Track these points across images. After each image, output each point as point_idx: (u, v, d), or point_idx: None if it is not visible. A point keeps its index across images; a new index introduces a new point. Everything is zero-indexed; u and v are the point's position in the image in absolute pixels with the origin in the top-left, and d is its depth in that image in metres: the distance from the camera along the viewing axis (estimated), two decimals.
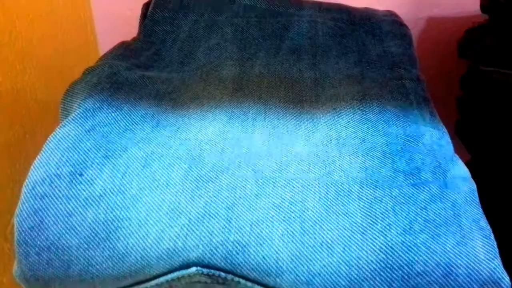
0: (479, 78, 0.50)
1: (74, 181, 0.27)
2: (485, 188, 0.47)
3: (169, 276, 0.26)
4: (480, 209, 0.28)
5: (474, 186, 0.29)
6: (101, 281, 0.26)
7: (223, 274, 0.25)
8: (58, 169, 0.28)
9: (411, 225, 0.26)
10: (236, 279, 0.25)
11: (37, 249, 0.26)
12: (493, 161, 0.51)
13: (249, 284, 0.25)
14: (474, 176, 0.30)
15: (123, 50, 0.40)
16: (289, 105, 0.36)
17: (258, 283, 0.25)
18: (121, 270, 0.26)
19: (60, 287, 0.27)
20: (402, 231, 0.26)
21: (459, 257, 0.25)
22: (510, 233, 0.44)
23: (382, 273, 0.25)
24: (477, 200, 0.28)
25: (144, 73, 0.37)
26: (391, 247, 0.25)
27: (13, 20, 0.46)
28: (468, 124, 0.55)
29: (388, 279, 0.25)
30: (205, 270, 0.25)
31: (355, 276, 0.25)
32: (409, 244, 0.25)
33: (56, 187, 0.27)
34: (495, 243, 0.26)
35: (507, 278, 0.25)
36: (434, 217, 0.26)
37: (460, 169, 0.29)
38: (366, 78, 0.38)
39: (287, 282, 0.25)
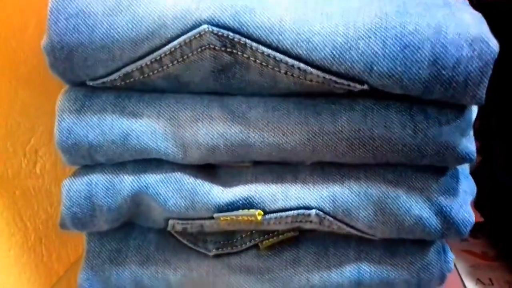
0: None
1: None
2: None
3: (181, 39, 0.28)
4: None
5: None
6: (120, 46, 0.29)
7: (231, 34, 0.28)
8: None
9: (404, 4, 0.28)
10: (243, 40, 0.28)
11: (66, 15, 0.29)
12: None
13: (254, 45, 0.28)
14: None
15: None
16: None
17: (263, 44, 0.28)
18: (139, 32, 0.28)
19: (82, 56, 0.29)
20: (396, 6, 0.28)
21: (448, 20, 0.27)
22: None
23: (377, 32, 0.27)
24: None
25: None
26: (385, 13, 0.27)
27: None
28: None
29: (383, 37, 0.27)
30: (215, 29, 0.28)
31: (352, 35, 0.27)
32: (402, 12, 0.27)
33: None
34: (484, 20, 0.28)
35: (495, 40, 0.27)
36: (427, 2, 0.28)
37: None
38: None
39: (288, 39, 0.27)
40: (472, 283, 0.50)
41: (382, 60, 0.27)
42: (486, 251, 0.56)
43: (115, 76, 0.30)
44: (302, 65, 0.28)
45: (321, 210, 0.31)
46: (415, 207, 0.30)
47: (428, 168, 0.31)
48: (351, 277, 0.33)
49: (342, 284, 0.33)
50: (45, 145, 0.58)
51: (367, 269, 0.33)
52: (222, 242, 0.34)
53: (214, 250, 0.34)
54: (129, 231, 0.36)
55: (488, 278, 0.51)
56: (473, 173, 0.58)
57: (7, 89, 0.50)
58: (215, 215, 0.31)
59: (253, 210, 0.31)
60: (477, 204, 0.58)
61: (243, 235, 0.34)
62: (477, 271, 0.52)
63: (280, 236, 0.34)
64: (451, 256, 0.34)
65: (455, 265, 0.54)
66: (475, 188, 0.32)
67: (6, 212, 0.51)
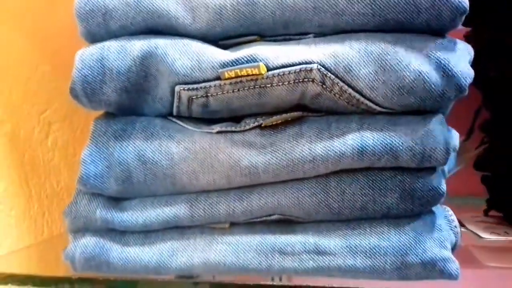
0: None
1: None
2: None
3: None
4: None
5: None
6: None
7: None
8: None
9: None
10: None
11: None
12: None
13: None
14: None
15: None
16: None
17: None
18: None
19: None
20: None
21: None
22: None
23: None
24: None
25: None
26: None
27: None
28: None
29: None
30: None
31: None
32: None
33: None
34: None
35: None
36: None
37: None
38: None
39: None
40: (486, 233, 0.48)
41: None
42: (500, 222, 0.54)
43: None
44: None
45: (323, 66, 0.32)
46: (415, 62, 0.31)
47: (426, 32, 0.32)
48: (353, 145, 0.32)
49: (345, 152, 0.32)
50: (59, 122, 0.60)
51: (369, 136, 0.33)
52: (226, 126, 0.35)
53: (218, 128, 0.34)
54: (135, 118, 0.36)
55: (503, 231, 0.49)
56: (479, 162, 0.58)
57: (29, 57, 0.53)
58: (219, 70, 0.32)
59: (257, 63, 0.32)
60: (490, 198, 0.57)
61: (247, 120, 0.35)
62: (491, 229, 0.50)
63: (284, 115, 0.34)
64: (456, 133, 0.34)
65: (467, 228, 0.52)
66: (472, 50, 0.33)
67: (12, 170, 0.52)
